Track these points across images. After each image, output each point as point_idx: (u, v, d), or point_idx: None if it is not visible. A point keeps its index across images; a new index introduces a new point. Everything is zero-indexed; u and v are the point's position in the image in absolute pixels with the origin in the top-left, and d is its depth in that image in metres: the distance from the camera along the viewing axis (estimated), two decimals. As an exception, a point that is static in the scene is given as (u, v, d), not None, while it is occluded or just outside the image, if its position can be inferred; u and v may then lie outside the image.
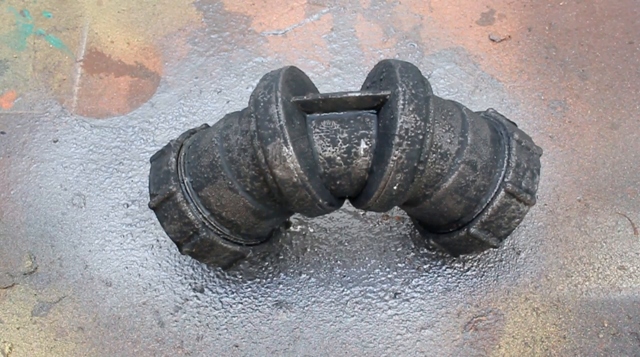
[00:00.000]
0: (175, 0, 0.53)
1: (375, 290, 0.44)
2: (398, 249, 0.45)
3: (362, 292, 0.44)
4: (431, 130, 0.32)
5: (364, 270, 0.44)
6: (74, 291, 0.51)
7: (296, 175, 0.31)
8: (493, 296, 0.43)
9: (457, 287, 0.44)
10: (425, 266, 0.44)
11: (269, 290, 0.46)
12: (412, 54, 0.51)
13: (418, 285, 0.44)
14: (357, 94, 0.33)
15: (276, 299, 0.44)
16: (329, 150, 0.34)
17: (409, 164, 0.32)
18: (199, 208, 0.37)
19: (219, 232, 0.41)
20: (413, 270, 0.44)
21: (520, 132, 0.38)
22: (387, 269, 0.44)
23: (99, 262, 0.52)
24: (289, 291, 0.44)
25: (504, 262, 0.44)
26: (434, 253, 0.45)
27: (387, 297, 0.44)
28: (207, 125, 0.42)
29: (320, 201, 0.33)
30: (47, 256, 0.52)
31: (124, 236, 0.52)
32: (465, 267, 0.44)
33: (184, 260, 0.50)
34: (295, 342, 0.42)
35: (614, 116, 0.49)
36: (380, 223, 0.45)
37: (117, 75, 0.55)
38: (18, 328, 0.51)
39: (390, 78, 0.34)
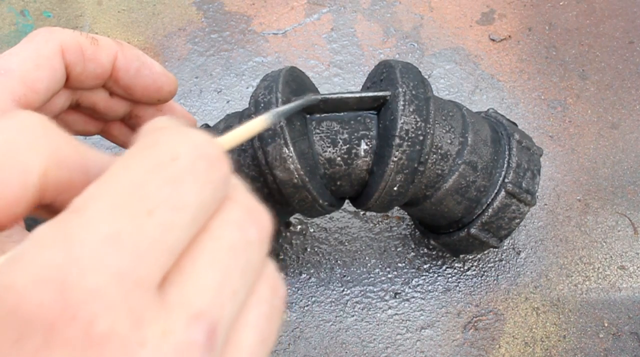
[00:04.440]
0: (175, 0, 0.53)
1: (375, 290, 0.44)
2: (398, 249, 0.45)
3: (362, 292, 0.44)
4: (431, 131, 0.32)
5: (364, 270, 0.44)
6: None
7: (296, 176, 0.31)
8: (493, 296, 0.43)
9: (457, 287, 0.44)
10: (425, 266, 0.44)
11: (269, 290, 0.46)
12: (412, 54, 0.51)
13: (418, 285, 0.44)
14: (357, 95, 0.33)
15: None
16: (330, 151, 0.34)
17: (409, 164, 0.32)
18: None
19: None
20: (413, 270, 0.44)
21: (521, 132, 0.38)
22: (387, 269, 0.44)
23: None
24: (289, 290, 0.44)
25: (504, 262, 0.44)
26: (434, 253, 0.45)
27: (387, 297, 0.44)
28: (207, 126, 0.42)
29: (321, 201, 0.33)
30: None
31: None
32: (466, 267, 0.44)
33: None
34: (295, 342, 0.42)
35: (614, 116, 0.49)
36: (380, 223, 0.45)
37: (117, 75, 0.55)
38: None
39: (390, 79, 0.34)
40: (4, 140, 0.17)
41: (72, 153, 0.18)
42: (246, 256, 0.17)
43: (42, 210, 0.19)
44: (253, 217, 0.18)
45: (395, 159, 0.31)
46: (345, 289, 0.44)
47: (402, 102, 0.32)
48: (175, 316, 0.15)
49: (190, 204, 0.16)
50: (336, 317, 0.43)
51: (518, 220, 0.36)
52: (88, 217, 0.14)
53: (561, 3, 0.53)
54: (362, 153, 0.34)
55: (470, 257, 0.44)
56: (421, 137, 0.32)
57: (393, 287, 0.44)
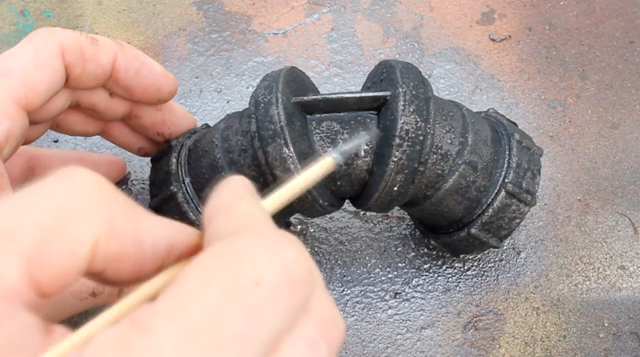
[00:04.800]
0: (175, 0, 0.53)
1: (375, 290, 0.44)
2: (398, 249, 0.45)
3: (362, 292, 0.44)
4: (432, 131, 0.32)
5: (364, 270, 0.44)
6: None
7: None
8: (493, 296, 0.43)
9: (458, 287, 0.44)
10: (425, 266, 0.44)
11: (269, 290, 0.46)
12: (412, 54, 0.51)
13: (418, 285, 0.44)
14: (357, 95, 0.33)
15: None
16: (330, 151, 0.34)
17: (409, 165, 0.32)
18: (199, 208, 0.37)
19: (219, 232, 0.41)
20: (413, 270, 0.44)
21: (521, 132, 0.38)
22: (388, 269, 0.44)
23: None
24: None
25: (504, 262, 0.44)
26: (434, 253, 0.45)
27: (387, 297, 0.44)
28: (207, 126, 0.42)
29: (321, 201, 0.33)
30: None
31: (124, 236, 0.52)
32: (466, 267, 0.44)
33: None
34: (295, 342, 0.42)
35: (614, 116, 0.49)
36: (380, 223, 0.45)
37: (117, 75, 0.55)
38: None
39: (390, 79, 0.34)
40: (57, 205, 0.16)
41: (126, 223, 0.17)
42: None
43: (92, 277, 0.18)
44: (326, 333, 0.17)
45: (395, 159, 0.31)
46: (345, 289, 0.44)
47: (402, 102, 0.32)
48: None
49: (265, 335, 0.15)
50: (336, 317, 0.43)
51: (518, 220, 0.36)
52: (155, 343, 0.13)
53: (561, 3, 0.53)
54: (362, 153, 0.34)
55: (470, 257, 0.44)
56: (421, 137, 0.32)
57: (393, 287, 0.44)
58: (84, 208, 0.16)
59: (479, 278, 0.44)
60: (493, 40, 0.52)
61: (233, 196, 0.18)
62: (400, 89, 0.32)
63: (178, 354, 0.13)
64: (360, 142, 0.23)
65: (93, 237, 0.16)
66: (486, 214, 0.35)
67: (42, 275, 0.16)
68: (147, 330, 0.14)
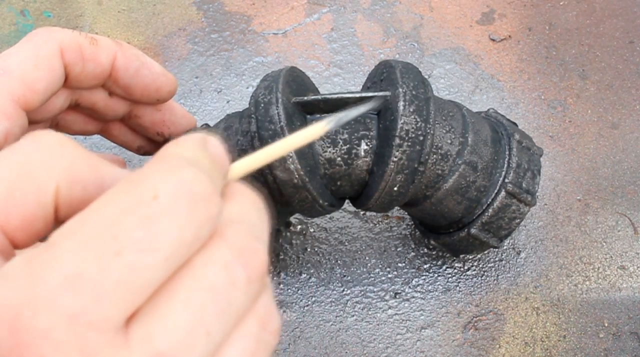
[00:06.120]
0: (175, 0, 0.53)
1: (375, 290, 0.44)
2: (398, 249, 0.45)
3: (362, 292, 0.44)
4: (432, 132, 0.32)
5: (364, 270, 0.44)
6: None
7: (297, 176, 0.31)
8: (493, 296, 0.43)
9: (458, 287, 0.44)
10: (425, 266, 0.44)
11: (269, 290, 0.46)
12: (412, 54, 0.51)
13: (418, 285, 0.44)
14: (357, 95, 0.33)
15: (276, 298, 0.44)
16: (330, 151, 0.34)
17: (409, 165, 0.32)
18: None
19: (219, 232, 0.41)
20: (413, 270, 0.44)
21: (521, 132, 0.38)
22: (388, 269, 0.44)
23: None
24: (289, 290, 0.44)
25: (504, 262, 0.44)
26: (434, 253, 0.45)
27: (387, 297, 0.44)
28: (207, 125, 0.42)
29: (321, 201, 0.33)
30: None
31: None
32: (466, 267, 0.44)
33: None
34: (295, 342, 0.42)
35: (614, 116, 0.49)
36: (380, 223, 0.45)
37: (117, 75, 0.55)
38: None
39: (390, 79, 0.34)
40: (20, 161, 0.17)
41: (87, 170, 0.18)
42: (228, 297, 0.17)
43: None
44: (242, 258, 0.17)
45: (395, 159, 0.31)
46: (345, 289, 0.44)
47: (402, 103, 0.32)
48: (135, 356, 0.15)
49: (164, 245, 0.15)
50: (336, 317, 0.43)
51: (518, 220, 0.36)
52: (55, 254, 0.14)
53: (561, 3, 0.53)
54: (362, 153, 0.34)
55: (470, 257, 0.44)
56: (421, 138, 0.32)
57: (393, 287, 0.44)
58: (45, 160, 0.17)
59: (479, 278, 0.44)
60: (493, 40, 0.52)
61: (174, 143, 0.19)
62: (400, 89, 0.32)
63: (76, 260, 0.14)
64: (357, 112, 0.23)
65: (55, 184, 0.17)
66: (486, 214, 0.35)
67: (11, 223, 0.17)
68: (51, 244, 0.15)
